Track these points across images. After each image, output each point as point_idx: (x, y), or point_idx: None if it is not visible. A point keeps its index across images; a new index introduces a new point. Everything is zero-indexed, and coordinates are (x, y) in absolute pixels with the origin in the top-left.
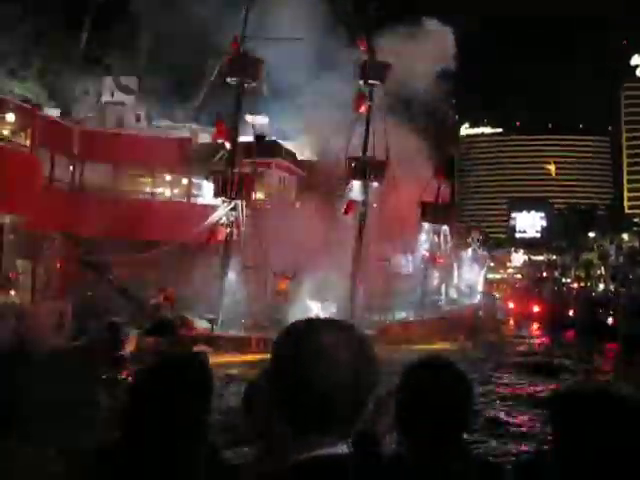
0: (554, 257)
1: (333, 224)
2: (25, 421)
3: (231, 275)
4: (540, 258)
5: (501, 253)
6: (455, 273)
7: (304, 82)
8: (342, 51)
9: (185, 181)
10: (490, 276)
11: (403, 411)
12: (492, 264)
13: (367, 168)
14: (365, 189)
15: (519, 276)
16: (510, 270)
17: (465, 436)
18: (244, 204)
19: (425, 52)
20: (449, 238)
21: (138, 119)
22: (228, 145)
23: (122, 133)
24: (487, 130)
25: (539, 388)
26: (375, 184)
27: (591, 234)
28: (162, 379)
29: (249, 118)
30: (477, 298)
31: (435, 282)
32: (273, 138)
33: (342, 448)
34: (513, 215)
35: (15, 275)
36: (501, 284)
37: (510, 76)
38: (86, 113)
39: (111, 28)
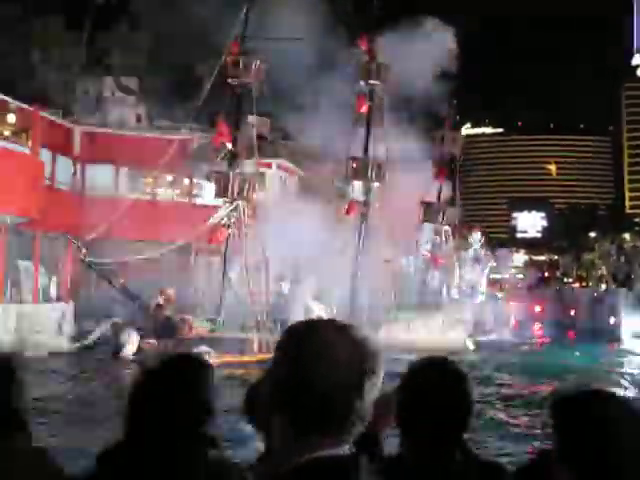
0: (555, 257)
1: (334, 224)
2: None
3: (232, 275)
4: (541, 258)
5: (503, 253)
6: (456, 273)
7: (304, 82)
8: (342, 51)
9: (186, 181)
10: (491, 276)
11: (403, 411)
12: (494, 264)
13: (368, 168)
14: (366, 189)
15: (521, 276)
16: (512, 270)
17: (465, 436)
18: (245, 205)
19: (426, 52)
20: (450, 238)
21: (139, 119)
22: (229, 145)
23: (124, 134)
24: (488, 130)
25: (539, 388)
26: (376, 184)
27: (592, 234)
28: (162, 379)
29: (250, 118)
30: (478, 298)
31: (436, 282)
32: (274, 138)
33: (343, 449)
34: (514, 215)
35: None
36: (503, 284)
37: (511, 76)
38: (87, 113)
39: (111, 28)
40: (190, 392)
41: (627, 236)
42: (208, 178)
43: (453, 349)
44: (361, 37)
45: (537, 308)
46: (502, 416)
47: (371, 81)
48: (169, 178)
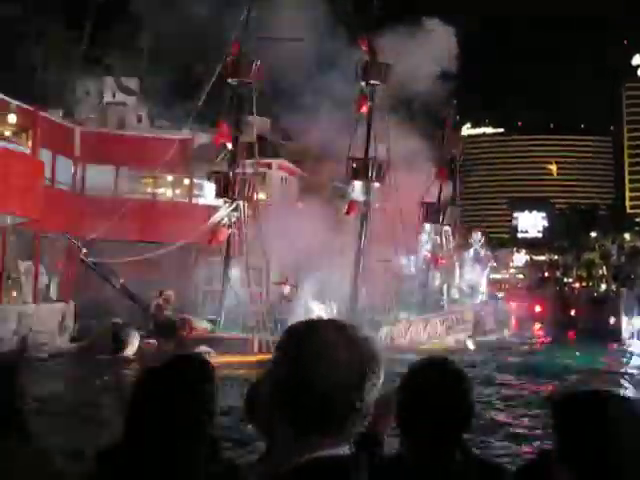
0: (556, 257)
1: (335, 225)
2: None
3: (232, 276)
4: (542, 258)
5: (503, 253)
6: (457, 273)
7: (304, 82)
8: (343, 51)
9: (187, 182)
10: (492, 276)
11: (403, 411)
12: (495, 264)
13: (369, 169)
14: (367, 190)
15: (521, 276)
16: (512, 270)
17: (465, 436)
18: (246, 205)
19: (426, 52)
20: (451, 238)
21: (139, 120)
22: (230, 145)
23: (124, 134)
24: (488, 130)
25: (539, 388)
26: (377, 184)
27: (593, 234)
28: (163, 380)
29: (250, 118)
30: (479, 298)
31: (437, 282)
32: (274, 138)
33: (344, 449)
34: (515, 215)
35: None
36: (504, 284)
37: (511, 76)
38: (87, 114)
39: (111, 28)
40: (190, 392)
41: (628, 236)
42: (208, 178)
43: (453, 349)
44: (362, 37)
45: (537, 308)
46: (502, 416)
47: (372, 81)
48: (169, 178)
